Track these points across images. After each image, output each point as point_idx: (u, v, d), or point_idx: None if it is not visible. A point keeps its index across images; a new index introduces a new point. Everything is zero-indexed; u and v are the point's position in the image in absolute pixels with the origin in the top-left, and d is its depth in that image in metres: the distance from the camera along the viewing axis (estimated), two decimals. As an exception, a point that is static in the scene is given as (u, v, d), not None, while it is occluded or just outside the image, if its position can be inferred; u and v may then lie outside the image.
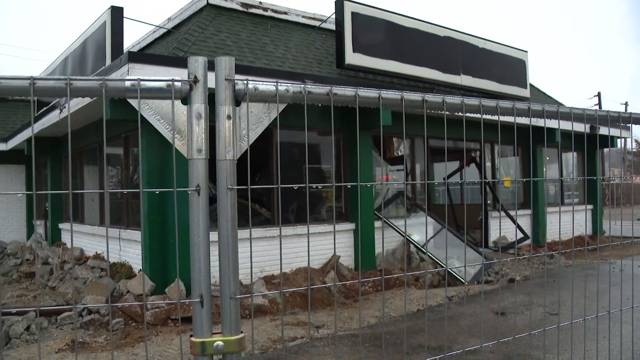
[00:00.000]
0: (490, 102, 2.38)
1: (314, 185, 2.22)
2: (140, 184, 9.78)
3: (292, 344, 6.73)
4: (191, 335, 1.65)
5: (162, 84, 1.68)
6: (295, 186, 1.91)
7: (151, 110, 1.72)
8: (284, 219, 10.50)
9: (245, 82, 1.75)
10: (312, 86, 1.90)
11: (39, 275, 11.26)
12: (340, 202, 11.65)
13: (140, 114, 1.71)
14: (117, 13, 11.84)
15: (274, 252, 9.43)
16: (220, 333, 1.67)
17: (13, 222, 17.32)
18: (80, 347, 6.91)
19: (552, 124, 2.73)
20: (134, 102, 1.69)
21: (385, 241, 11.53)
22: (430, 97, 2.16)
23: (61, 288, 9.97)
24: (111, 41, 11.77)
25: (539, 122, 2.62)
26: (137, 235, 9.31)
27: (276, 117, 1.84)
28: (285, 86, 1.83)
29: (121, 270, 9.28)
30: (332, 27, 13.20)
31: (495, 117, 2.39)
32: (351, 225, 11.25)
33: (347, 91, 1.99)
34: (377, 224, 11.40)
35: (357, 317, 8.02)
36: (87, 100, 9.55)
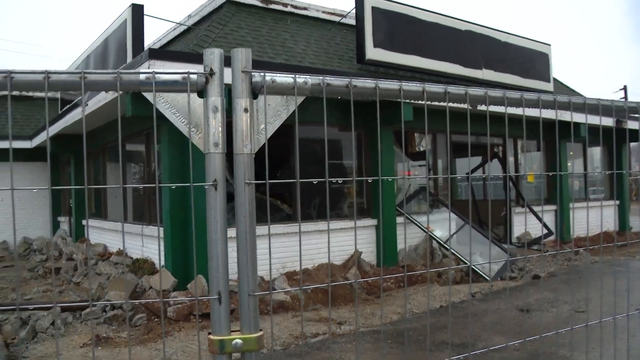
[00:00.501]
0: (515, 94, 2.31)
1: (334, 180, 2.17)
2: (157, 179, 9.81)
3: (314, 340, 6.70)
4: (209, 333, 1.61)
5: (178, 77, 1.64)
6: (315, 180, 1.86)
7: (167, 104, 1.69)
8: (306, 215, 10.47)
9: (262, 74, 1.70)
10: (331, 78, 1.85)
11: (64, 271, 11.40)
12: (362, 198, 11.60)
13: (158, 109, 1.68)
14: (137, 11, 11.91)
15: (295, 248, 9.40)
16: (239, 331, 1.63)
17: (38, 218, 17.54)
18: (104, 342, 6.96)
19: (577, 117, 2.64)
20: (149, 96, 1.66)
21: (408, 237, 11.45)
22: (452, 89, 2.10)
23: (85, 284, 10.07)
24: (132, 39, 11.83)
25: (564, 115, 2.54)
26: (157, 231, 9.36)
27: (295, 110, 1.79)
28: (304, 78, 1.78)
29: (144, 267, 9.33)
30: (352, 22, 13.12)
31: (517, 111, 2.32)
32: (373, 221, 11.18)
33: (367, 83, 1.94)
34: (399, 219, 11.32)
35: (379, 314, 7.97)
36: (108, 97, 9.62)
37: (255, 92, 1.71)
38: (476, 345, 6.09)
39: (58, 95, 17.41)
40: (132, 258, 10.30)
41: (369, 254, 10.93)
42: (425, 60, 12.97)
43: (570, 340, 4.18)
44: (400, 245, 11.20)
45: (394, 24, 12.69)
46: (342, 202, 11.60)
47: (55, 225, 17.69)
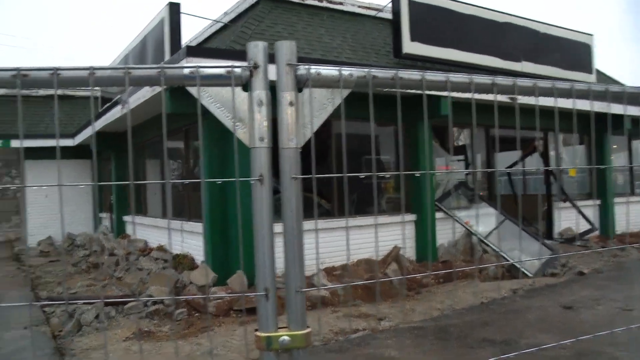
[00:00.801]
0: (564, 85, 2.22)
1: (381, 175, 2.13)
2: (202, 175, 9.90)
3: (354, 336, 6.67)
4: (256, 330, 1.59)
5: (222, 71, 1.63)
6: (363, 175, 1.83)
7: (211, 98, 1.67)
8: (344, 211, 10.44)
9: (307, 67, 1.67)
10: (377, 70, 1.81)
11: (106, 266, 11.62)
12: (401, 193, 11.51)
13: (200, 104, 1.67)
14: (174, 9, 12.05)
15: (334, 243, 9.36)
16: (285, 327, 1.61)
17: (81, 215, 17.93)
18: (146, 336, 7.06)
19: (620, 109, 2.52)
20: (193, 91, 1.64)
21: (447, 232, 11.31)
22: (500, 81, 2.04)
23: (127, 278, 10.24)
24: (170, 37, 11.98)
25: (611, 107, 2.44)
26: (199, 227, 9.44)
27: (340, 104, 1.76)
28: (349, 71, 1.75)
29: (184, 262, 9.44)
30: (388, 16, 13.01)
31: (563, 104, 2.24)
32: (412, 217, 11.08)
33: (413, 75, 1.89)
34: (439, 215, 11.20)
35: (419, 309, 7.89)
36: (148, 95, 9.74)
37: (299, 85, 1.68)
38: (519, 343, 5.98)
39: (98, 93, 17.77)
40: (172, 253, 10.44)
41: (408, 250, 10.84)
42: (463, 53, 12.77)
43: (621, 340, 4.04)
44: (439, 241, 11.08)
45: (431, 17, 12.53)
46: (380, 197, 11.53)
47: (97, 222, 18.06)
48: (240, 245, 8.75)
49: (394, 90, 1.83)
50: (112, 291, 9.62)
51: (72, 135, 17.39)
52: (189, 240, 9.97)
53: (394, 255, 10.06)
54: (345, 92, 1.75)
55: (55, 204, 16.94)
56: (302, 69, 1.67)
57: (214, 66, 1.62)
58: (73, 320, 7.58)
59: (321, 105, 1.73)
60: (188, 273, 8.72)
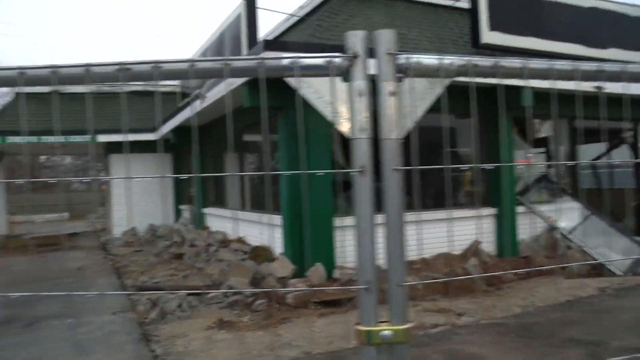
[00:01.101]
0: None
1: (485, 167, 2.07)
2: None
3: (434, 331, 6.58)
4: (357, 323, 1.57)
5: (321, 61, 1.61)
6: (466, 166, 1.77)
7: (310, 89, 1.66)
8: (422, 204, 10.28)
9: (407, 56, 1.63)
10: (478, 58, 1.75)
11: (187, 257, 11.97)
12: (480, 186, 11.24)
13: (303, 95, 1.66)
14: (250, 4, 12.21)
15: (414, 237, 9.23)
16: (386, 322, 1.58)
17: (163, 207, 18.55)
18: (226, 325, 7.21)
19: None
20: (292, 82, 1.64)
21: (529, 227, 10.95)
22: (583, 66, 1.92)
23: (207, 269, 10.51)
24: (247, 32, 12.14)
25: None
26: (277, 219, 9.56)
27: (440, 93, 1.71)
28: (450, 59, 1.70)
29: (262, 254, 9.59)
30: (465, 5, 12.68)
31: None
32: (492, 210, 10.80)
33: (514, 63, 1.82)
34: (520, 209, 10.86)
35: (500, 306, 7.69)
36: (228, 88, 9.92)
37: (400, 75, 1.64)
38: (610, 345, 5.71)
39: (177, 89, 18.31)
40: (250, 245, 10.62)
41: (488, 244, 10.58)
42: (544, 42, 12.27)
43: None
44: (520, 235, 10.75)
45: (510, 5, 12.11)
46: (458, 190, 11.30)
47: (178, 214, 18.65)
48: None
49: (484, 80, 1.76)
50: (194, 281, 9.90)
51: (153, 130, 17.99)
52: (268, 232, 10.12)
53: (474, 250, 9.85)
54: (446, 82, 1.71)
55: (138, 196, 17.62)
56: (403, 58, 1.63)
57: (312, 56, 1.61)
58: (157, 308, 7.85)
59: (421, 95, 1.69)
60: (267, 265, 8.85)
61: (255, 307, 7.80)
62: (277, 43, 11.00)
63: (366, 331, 1.55)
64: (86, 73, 1.62)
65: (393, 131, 1.58)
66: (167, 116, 16.60)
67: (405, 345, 1.58)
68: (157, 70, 1.61)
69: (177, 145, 16.93)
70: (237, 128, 12.37)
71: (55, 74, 1.63)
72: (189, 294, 8.16)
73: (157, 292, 8.44)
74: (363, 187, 1.57)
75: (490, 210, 10.77)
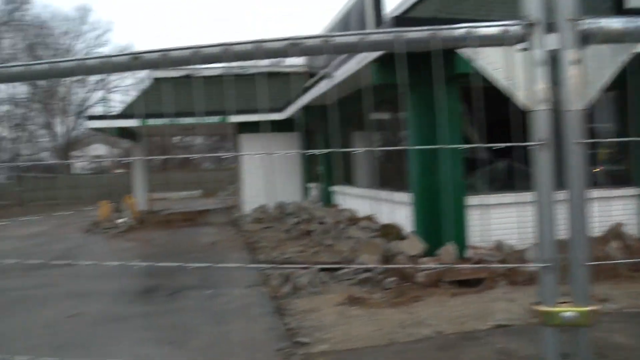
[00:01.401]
0: None
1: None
2: (409, 144, 9.92)
3: (575, 317, 6.23)
4: (536, 303, 1.51)
5: (496, 30, 1.55)
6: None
7: (484, 60, 1.60)
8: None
9: (591, 21, 1.52)
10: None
11: (316, 234, 12.24)
12: (621, 165, 10.46)
13: (480, 67, 1.60)
14: (375, -21, 12.04)
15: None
16: (567, 302, 1.51)
17: (291, 185, 19.06)
18: (358, 302, 7.28)
19: None
20: (466, 52, 1.58)
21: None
22: None
23: (337, 246, 10.68)
24: (372, 8, 12.01)
25: None
26: (407, 197, 9.50)
27: (627, 60, 1.58)
28: (636, 23, 1.56)
29: (392, 232, 9.58)
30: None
31: None
32: (635, 191, 10.01)
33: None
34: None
35: (649, 293, 7.14)
36: (356, 67, 9.92)
37: (582, 42, 1.53)
38: None
39: (305, 68, 18.61)
40: (379, 223, 10.64)
41: (632, 227, 9.84)
42: None
43: None
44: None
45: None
46: (594, 168, 10.59)
47: (306, 192, 19.08)
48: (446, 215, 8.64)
49: None
50: (323, 258, 10.11)
51: (280, 110, 18.44)
52: (397, 210, 10.08)
53: (616, 232, 9.20)
54: (633, 48, 1.57)
55: (267, 175, 18.23)
56: (586, 24, 1.52)
57: (487, 25, 1.55)
58: (290, 283, 8.10)
59: (605, 62, 1.57)
60: (397, 243, 8.83)
61: (385, 284, 7.82)
62: (406, 19, 10.83)
63: (546, 311, 1.49)
64: (256, 50, 1.66)
65: (576, 102, 1.49)
66: (295, 96, 16.95)
67: (585, 329, 1.50)
68: (292, 47, 1.62)
69: (305, 125, 17.26)
70: (364, 107, 12.39)
71: (196, 54, 1.70)
72: (321, 270, 8.33)
73: (292, 266, 8.70)
74: (543, 162, 1.49)
75: (631, 190, 9.99)
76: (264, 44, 1.66)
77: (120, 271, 10.30)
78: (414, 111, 8.89)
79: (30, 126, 47.66)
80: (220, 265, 8.94)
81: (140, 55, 1.85)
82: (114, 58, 1.92)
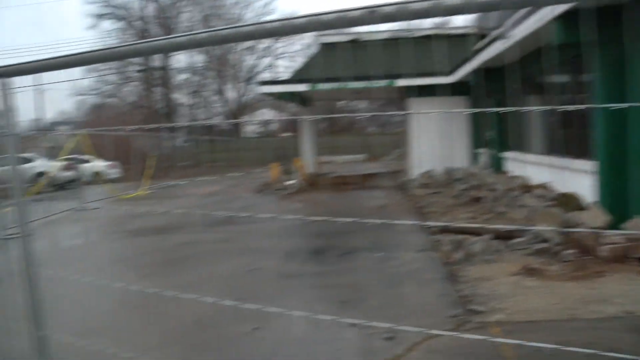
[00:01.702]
0: None
1: None
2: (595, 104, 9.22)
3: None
4: None
5: None
6: None
7: None
8: None
9: None
10: None
11: (486, 201, 11.90)
12: None
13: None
14: None
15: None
16: None
17: (459, 151, 18.61)
18: (534, 273, 7.01)
19: None
20: None
21: None
22: None
23: (510, 214, 10.32)
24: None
25: None
26: (588, 165, 8.87)
27: None
28: None
29: (571, 202, 9.02)
30: None
31: None
32: None
33: None
34: None
35: None
36: (535, 26, 9.35)
37: None
38: None
39: (475, 29, 17.89)
40: (554, 192, 10.07)
41: None
42: None
43: None
44: None
45: None
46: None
47: (474, 158, 18.55)
48: None
49: None
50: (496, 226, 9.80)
51: (450, 73, 17.97)
52: (576, 179, 9.47)
53: None
54: None
55: (434, 140, 17.98)
56: None
57: None
58: (462, 250, 8.00)
59: None
60: (577, 213, 8.31)
61: (563, 257, 7.43)
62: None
63: None
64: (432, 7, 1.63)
65: None
66: (464, 59, 16.41)
67: None
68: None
69: (475, 89, 16.68)
70: (542, 69, 11.68)
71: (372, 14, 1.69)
72: (495, 238, 8.12)
73: (473, 230, 8.56)
74: None
75: None
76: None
77: (292, 231, 10.86)
78: (602, 72, 8.21)
79: (205, 93, 51.36)
80: (397, 222, 9.14)
81: (319, 16, 1.91)
82: (293, 20, 2.00)
